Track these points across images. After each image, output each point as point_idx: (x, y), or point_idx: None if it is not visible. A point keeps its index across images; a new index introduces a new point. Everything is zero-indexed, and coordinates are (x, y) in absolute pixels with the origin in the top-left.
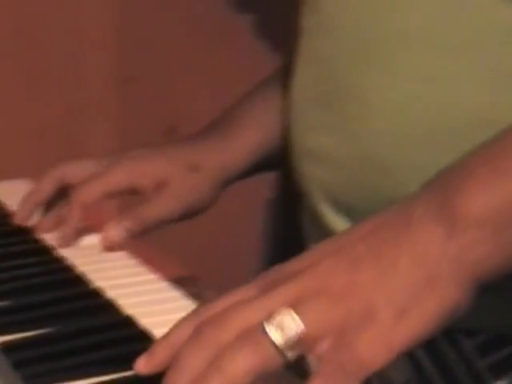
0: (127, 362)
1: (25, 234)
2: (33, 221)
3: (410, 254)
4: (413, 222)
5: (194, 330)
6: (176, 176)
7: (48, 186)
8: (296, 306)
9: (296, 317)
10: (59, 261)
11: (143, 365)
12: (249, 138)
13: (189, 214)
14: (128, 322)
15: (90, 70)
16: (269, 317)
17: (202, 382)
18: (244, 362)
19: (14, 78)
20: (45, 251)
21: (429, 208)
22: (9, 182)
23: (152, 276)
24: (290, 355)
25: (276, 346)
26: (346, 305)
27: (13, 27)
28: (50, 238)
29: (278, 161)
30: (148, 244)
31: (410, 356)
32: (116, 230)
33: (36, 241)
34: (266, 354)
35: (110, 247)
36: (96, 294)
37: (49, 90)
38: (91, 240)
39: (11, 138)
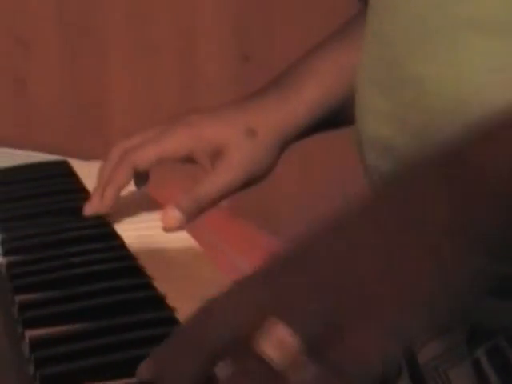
0: None
1: (97, 218)
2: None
3: (413, 228)
4: (417, 190)
5: (178, 339)
6: (233, 143)
7: (109, 168)
8: (286, 311)
9: (289, 329)
10: (123, 248)
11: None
12: (308, 96)
13: (248, 183)
14: (174, 320)
15: (206, 50)
16: (260, 325)
17: None
18: None
19: (131, 57)
20: (112, 236)
21: (436, 169)
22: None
23: (216, 274)
24: (292, 371)
25: (277, 367)
26: (342, 298)
27: (130, 5)
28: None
29: (340, 119)
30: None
31: (474, 367)
32: (174, 213)
33: (107, 224)
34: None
35: (170, 230)
36: (148, 287)
37: (165, 69)
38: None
39: (127, 118)
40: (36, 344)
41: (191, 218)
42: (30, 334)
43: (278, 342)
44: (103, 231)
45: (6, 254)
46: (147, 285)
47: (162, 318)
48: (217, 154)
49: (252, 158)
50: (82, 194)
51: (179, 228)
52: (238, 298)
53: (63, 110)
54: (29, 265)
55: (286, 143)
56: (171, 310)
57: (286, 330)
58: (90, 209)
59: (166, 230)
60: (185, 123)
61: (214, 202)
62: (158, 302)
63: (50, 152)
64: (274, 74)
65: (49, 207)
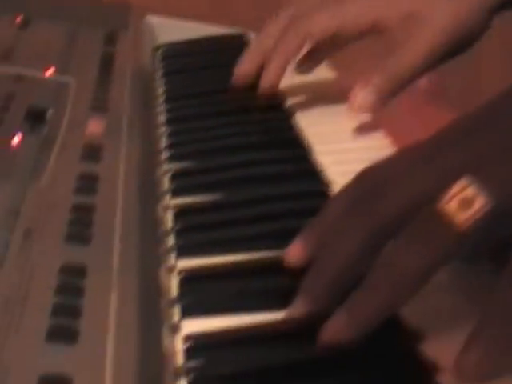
0: None
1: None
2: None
3: None
4: None
5: (352, 199)
6: (431, 3)
7: (276, 32)
8: (478, 171)
9: (481, 188)
10: (286, 119)
11: (296, 253)
12: None
13: (451, 53)
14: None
15: None
16: (445, 187)
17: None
18: (417, 258)
19: None
20: (277, 107)
21: None
22: None
23: None
24: (472, 242)
25: (456, 232)
26: None
27: None
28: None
29: None
30: None
31: None
32: (365, 92)
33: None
34: (443, 244)
35: (358, 112)
36: (306, 159)
37: None
38: None
39: None
40: (179, 213)
41: (385, 100)
42: (175, 203)
43: (465, 203)
44: (271, 103)
45: (168, 123)
46: (304, 157)
47: (315, 191)
48: (411, 21)
49: (455, 19)
50: None
51: (370, 111)
52: (420, 160)
53: None
54: (186, 133)
55: (495, 7)
56: (326, 183)
57: (477, 191)
58: (242, 78)
59: (354, 112)
60: None
61: (412, 79)
62: (313, 174)
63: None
64: None
65: (216, 80)
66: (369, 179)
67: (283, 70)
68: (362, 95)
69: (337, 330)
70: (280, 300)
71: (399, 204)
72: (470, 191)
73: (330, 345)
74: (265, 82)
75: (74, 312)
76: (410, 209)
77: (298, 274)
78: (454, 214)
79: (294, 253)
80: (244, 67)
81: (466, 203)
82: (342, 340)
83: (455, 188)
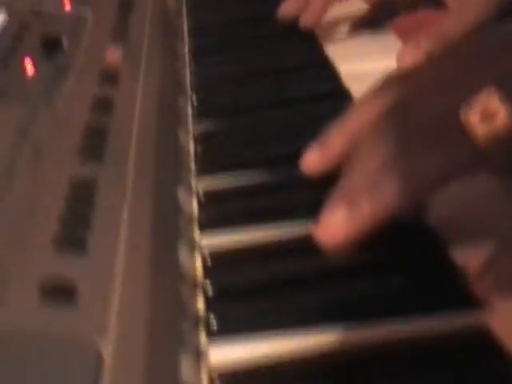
0: None
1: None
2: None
3: None
4: None
5: (377, 115)
6: None
7: None
8: (502, 85)
9: (504, 102)
10: (320, 52)
11: (314, 160)
12: None
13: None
14: None
15: None
16: (469, 98)
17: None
18: (436, 165)
19: None
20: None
21: None
22: None
23: None
24: (492, 154)
25: (474, 141)
26: None
27: None
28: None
29: None
30: None
31: None
32: (411, 55)
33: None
34: (460, 153)
35: None
36: (334, 81)
37: None
38: None
39: None
40: (202, 136)
41: None
42: (197, 127)
43: (487, 114)
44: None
45: (192, 50)
46: (333, 79)
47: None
48: None
49: None
50: None
51: None
52: (446, 75)
53: None
54: (211, 60)
55: None
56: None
57: (499, 100)
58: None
59: None
60: None
61: None
62: (341, 95)
63: None
64: None
65: (242, 16)
66: (399, 89)
67: (325, 10)
68: (409, 58)
69: (336, 225)
70: (299, 214)
71: (427, 116)
72: (492, 101)
73: (328, 243)
74: (306, 20)
75: (84, 223)
76: (437, 122)
77: (319, 188)
78: (476, 125)
79: (316, 158)
80: (287, 8)
81: (489, 114)
82: (341, 236)
83: (478, 97)
